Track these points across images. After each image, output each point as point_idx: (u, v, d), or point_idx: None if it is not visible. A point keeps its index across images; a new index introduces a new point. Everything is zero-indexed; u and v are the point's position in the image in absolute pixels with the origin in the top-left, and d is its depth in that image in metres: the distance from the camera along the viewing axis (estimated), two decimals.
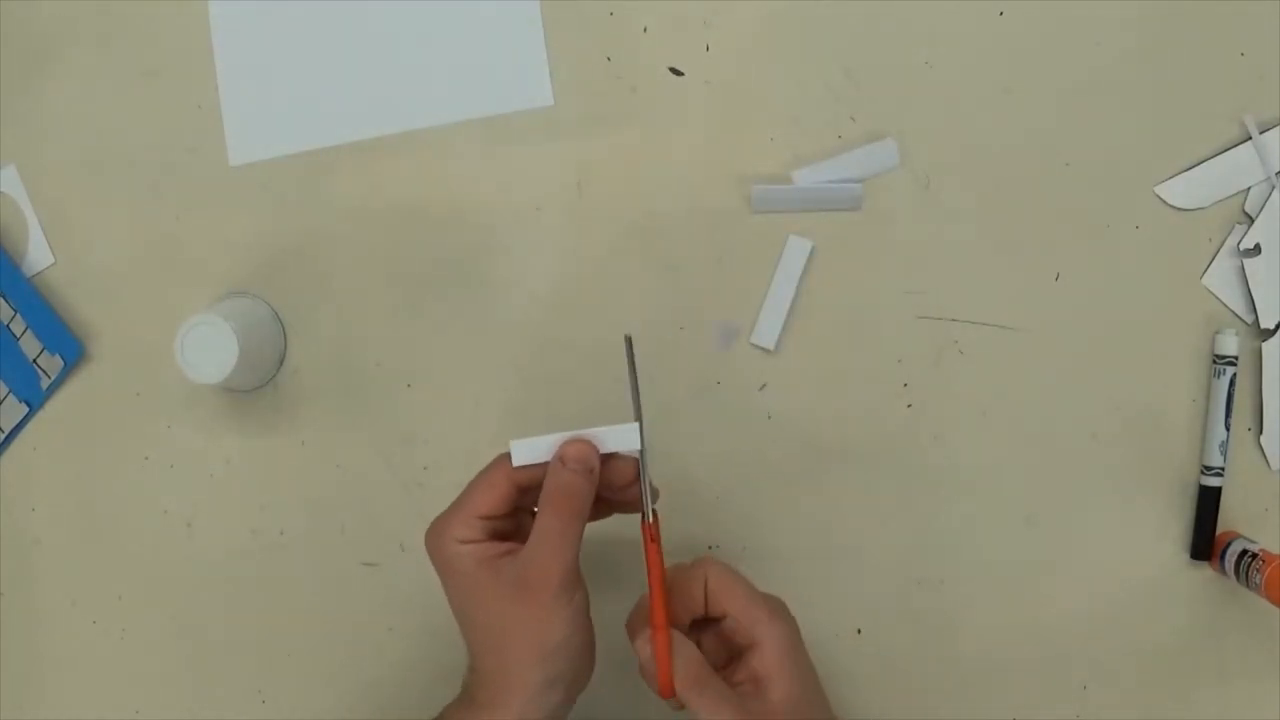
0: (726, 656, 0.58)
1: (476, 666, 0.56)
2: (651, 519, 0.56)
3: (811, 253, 0.69)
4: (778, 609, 0.57)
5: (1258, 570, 0.64)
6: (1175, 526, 0.70)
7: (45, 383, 0.73)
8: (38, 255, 0.74)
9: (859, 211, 0.70)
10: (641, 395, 0.57)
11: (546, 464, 0.56)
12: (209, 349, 0.66)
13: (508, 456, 0.56)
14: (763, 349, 0.70)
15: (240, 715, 0.73)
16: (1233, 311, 0.69)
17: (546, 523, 0.54)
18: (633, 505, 0.58)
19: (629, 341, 0.57)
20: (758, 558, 0.71)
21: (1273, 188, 0.69)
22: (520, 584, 0.54)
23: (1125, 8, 0.69)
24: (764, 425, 0.70)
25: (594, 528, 0.57)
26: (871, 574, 0.70)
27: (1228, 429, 0.68)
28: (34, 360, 0.73)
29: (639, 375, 0.56)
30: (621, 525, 0.59)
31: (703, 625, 0.58)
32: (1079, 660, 0.70)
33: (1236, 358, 0.68)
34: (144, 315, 0.73)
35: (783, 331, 0.70)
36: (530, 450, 0.56)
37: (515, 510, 0.57)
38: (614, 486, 0.57)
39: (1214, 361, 0.69)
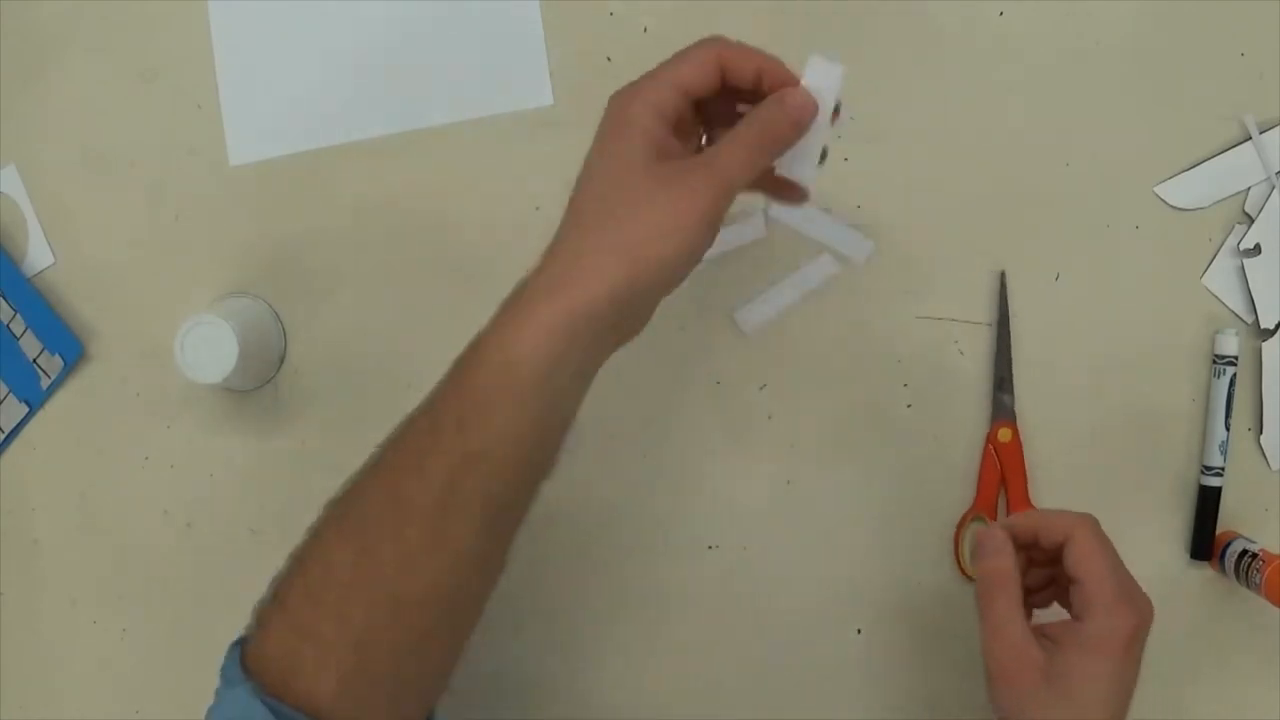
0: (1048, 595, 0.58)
1: (556, 245, 0.50)
2: None
3: (833, 275, 0.70)
4: (1140, 600, 0.54)
5: (1258, 570, 0.64)
6: (1175, 526, 0.70)
7: (45, 383, 0.73)
8: (38, 255, 0.74)
9: (859, 208, 0.70)
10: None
11: (763, 63, 0.51)
12: (209, 349, 0.66)
13: (723, 40, 0.51)
14: (741, 332, 0.70)
15: None
16: (1233, 311, 0.69)
17: (743, 136, 0.49)
18: (785, 192, 0.54)
19: None
20: (758, 557, 0.71)
21: (1273, 188, 0.69)
22: (677, 169, 0.48)
23: (1125, 7, 0.69)
24: (764, 425, 0.70)
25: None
26: (872, 574, 0.70)
27: (1228, 429, 0.68)
28: (34, 360, 0.73)
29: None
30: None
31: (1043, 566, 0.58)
32: None
33: (1236, 358, 0.68)
34: (144, 315, 0.73)
35: (780, 331, 0.70)
36: (822, 74, 0.51)
37: (707, 112, 0.52)
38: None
39: (1214, 361, 0.69)
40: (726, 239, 0.70)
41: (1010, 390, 0.69)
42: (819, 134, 0.52)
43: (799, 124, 0.51)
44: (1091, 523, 0.56)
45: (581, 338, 0.48)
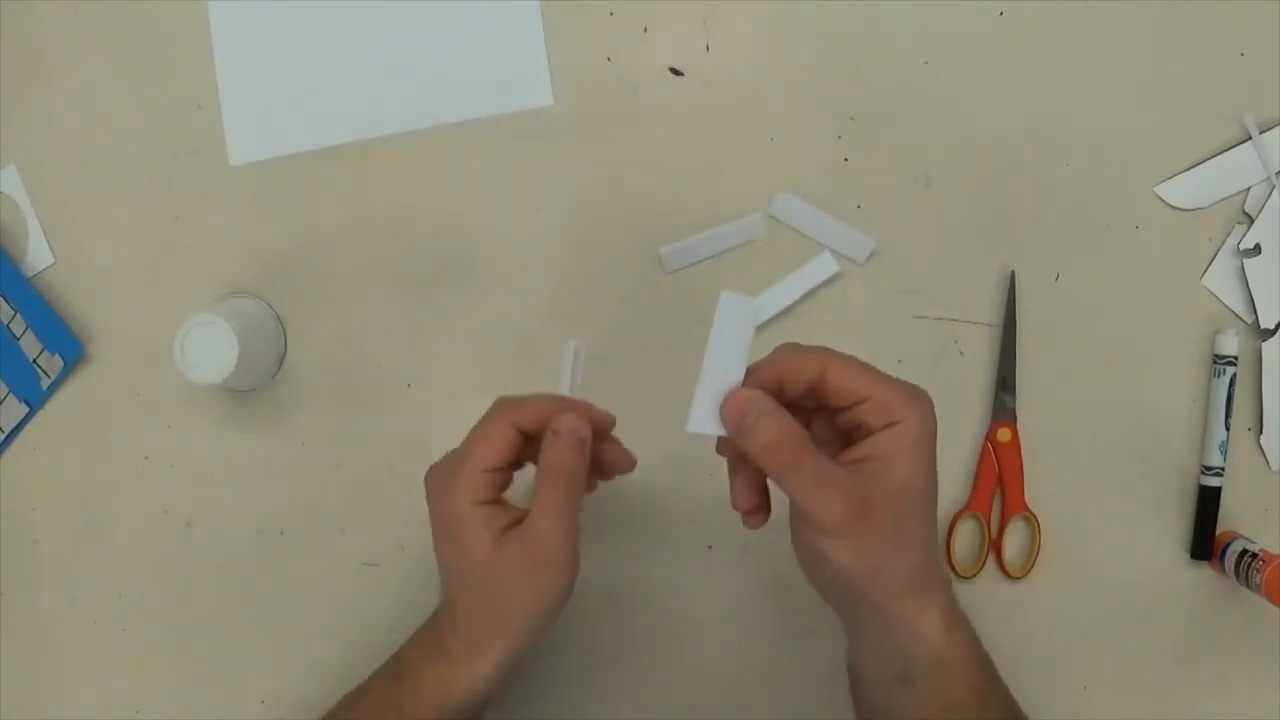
0: (842, 444, 0.53)
1: (455, 616, 0.57)
2: None
3: (834, 274, 0.70)
4: (919, 391, 0.52)
5: (1258, 570, 0.64)
6: (1175, 526, 0.70)
7: (45, 383, 0.73)
8: (38, 255, 0.74)
9: (860, 208, 0.70)
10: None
11: (549, 405, 0.56)
12: (209, 349, 0.66)
13: (505, 404, 0.56)
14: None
15: (240, 715, 0.73)
16: (1233, 311, 0.69)
17: (548, 499, 0.55)
18: (606, 467, 0.59)
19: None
20: (758, 557, 0.71)
21: (1273, 188, 0.69)
22: (528, 558, 0.54)
23: (1125, 7, 0.69)
24: None
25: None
26: None
27: (1228, 429, 0.68)
28: (34, 360, 0.73)
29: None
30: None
31: (811, 413, 0.54)
32: (1079, 660, 0.70)
33: (1236, 358, 0.68)
34: (144, 315, 0.73)
35: (780, 331, 0.70)
36: (733, 312, 0.51)
37: (516, 461, 0.57)
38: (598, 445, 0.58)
39: (1214, 361, 0.69)
40: (727, 237, 0.70)
41: (1013, 390, 0.69)
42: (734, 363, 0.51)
43: (582, 441, 0.55)
44: (836, 352, 0.52)
45: (510, 670, 0.57)
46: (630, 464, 0.59)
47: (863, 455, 0.51)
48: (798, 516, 0.53)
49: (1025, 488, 0.69)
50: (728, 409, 0.51)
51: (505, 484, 0.57)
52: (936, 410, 0.52)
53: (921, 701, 0.54)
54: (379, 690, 0.60)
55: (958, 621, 0.54)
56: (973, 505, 0.69)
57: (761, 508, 0.55)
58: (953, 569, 0.70)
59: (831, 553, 0.51)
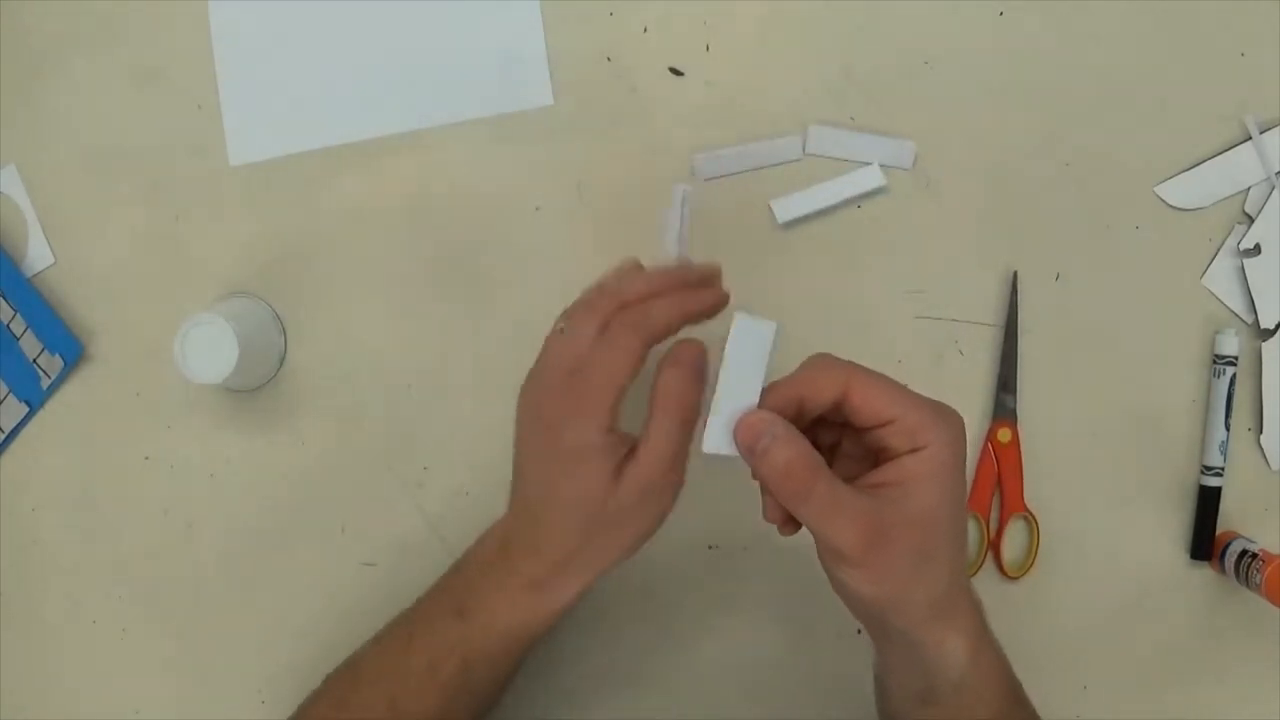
0: (871, 463, 0.51)
1: (551, 546, 0.55)
2: None
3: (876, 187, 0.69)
4: (947, 413, 0.50)
5: (1258, 570, 0.64)
6: (1175, 526, 0.70)
7: (45, 383, 0.73)
8: (38, 255, 0.74)
9: (860, 208, 0.70)
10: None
11: (674, 321, 0.54)
12: (209, 349, 0.66)
13: (630, 317, 0.53)
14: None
15: (240, 715, 0.73)
16: (1233, 311, 0.69)
17: (666, 429, 0.52)
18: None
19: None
20: (758, 557, 0.71)
21: (1273, 188, 0.69)
22: (644, 492, 0.53)
23: (1125, 8, 0.69)
24: None
25: None
26: None
27: (1228, 429, 0.68)
28: (34, 360, 0.73)
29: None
30: None
31: (842, 427, 0.53)
32: (1079, 660, 0.70)
33: (1236, 358, 0.68)
34: (144, 315, 0.73)
35: (780, 330, 0.70)
36: (749, 333, 0.51)
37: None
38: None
39: (1214, 361, 0.69)
40: (760, 155, 0.70)
41: (1013, 391, 0.69)
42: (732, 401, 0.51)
43: (699, 375, 0.52)
44: (862, 368, 0.51)
45: (556, 616, 0.57)
46: (724, 301, 0.57)
47: (884, 481, 0.49)
48: (821, 550, 0.52)
49: (1025, 488, 0.69)
50: (740, 432, 0.50)
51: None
52: None
53: None
54: (435, 629, 0.58)
55: (984, 644, 0.53)
56: (971, 504, 0.69)
57: (792, 520, 0.52)
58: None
59: (849, 580, 0.50)
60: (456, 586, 0.59)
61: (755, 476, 0.51)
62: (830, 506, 0.48)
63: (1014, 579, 0.70)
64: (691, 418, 0.53)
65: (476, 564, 0.59)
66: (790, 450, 0.49)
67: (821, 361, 0.51)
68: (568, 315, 0.56)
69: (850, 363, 0.51)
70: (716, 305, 0.56)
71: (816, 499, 0.48)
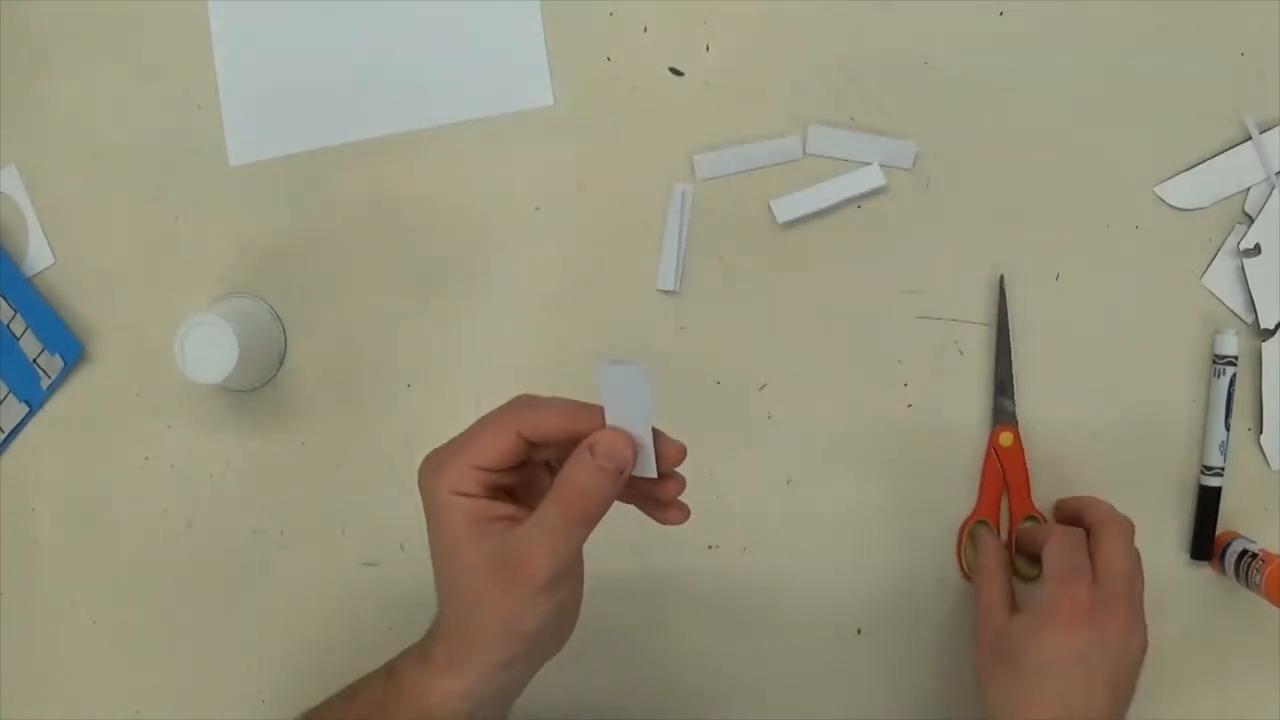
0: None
1: (442, 621, 0.52)
2: None
3: (875, 187, 0.69)
4: (1099, 576, 0.60)
5: (1258, 570, 0.64)
6: (1175, 526, 0.70)
7: (45, 383, 0.73)
8: (38, 255, 0.74)
9: (860, 208, 0.70)
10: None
11: (564, 421, 0.49)
12: (209, 349, 0.66)
13: (524, 403, 0.50)
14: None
15: (240, 715, 0.73)
16: (1233, 311, 0.69)
17: (552, 515, 0.48)
18: (661, 507, 0.52)
19: None
20: (758, 557, 0.71)
21: (1273, 188, 0.69)
22: (504, 563, 0.49)
23: (1125, 8, 0.69)
24: (764, 425, 0.70)
25: None
26: (872, 574, 0.70)
27: (1228, 429, 0.68)
28: (34, 360, 0.73)
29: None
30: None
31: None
32: None
33: (1236, 358, 0.68)
34: (144, 315, 0.73)
35: (781, 330, 0.70)
36: (620, 381, 0.47)
37: (526, 463, 0.51)
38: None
39: (1214, 361, 0.69)
40: (760, 155, 0.70)
41: (1011, 395, 0.69)
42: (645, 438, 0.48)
43: (619, 471, 0.48)
44: (1122, 522, 0.62)
45: (491, 693, 0.52)
46: (682, 518, 0.52)
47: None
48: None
49: (1032, 490, 0.69)
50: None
51: (503, 485, 0.51)
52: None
53: None
54: (372, 685, 0.56)
55: None
56: (981, 510, 0.69)
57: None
58: (963, 572, 0.69)
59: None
60: (405, 649, 0.56)
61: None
62: (985, 609, 0.65)
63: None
64: (589, 514, 0.49)
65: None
66: (990, 557, 0.68)
67: (1097, 507, 0.65)
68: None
69: (1117, 517, 0.64)
70: (669, 459, 0.51)
71: (984, 595, 0.65)
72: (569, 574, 0.51)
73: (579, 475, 0.48)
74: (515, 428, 0.50)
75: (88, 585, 0.74)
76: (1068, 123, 0.69)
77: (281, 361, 0.73)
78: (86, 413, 0.74)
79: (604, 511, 0.49)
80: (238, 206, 0.72)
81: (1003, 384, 0.69)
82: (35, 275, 0.73)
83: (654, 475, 0.50)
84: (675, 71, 0.71)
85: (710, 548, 0.71)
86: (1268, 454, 0.69)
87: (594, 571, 0.64)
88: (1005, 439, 0.69)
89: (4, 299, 0.72)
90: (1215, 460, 0.68)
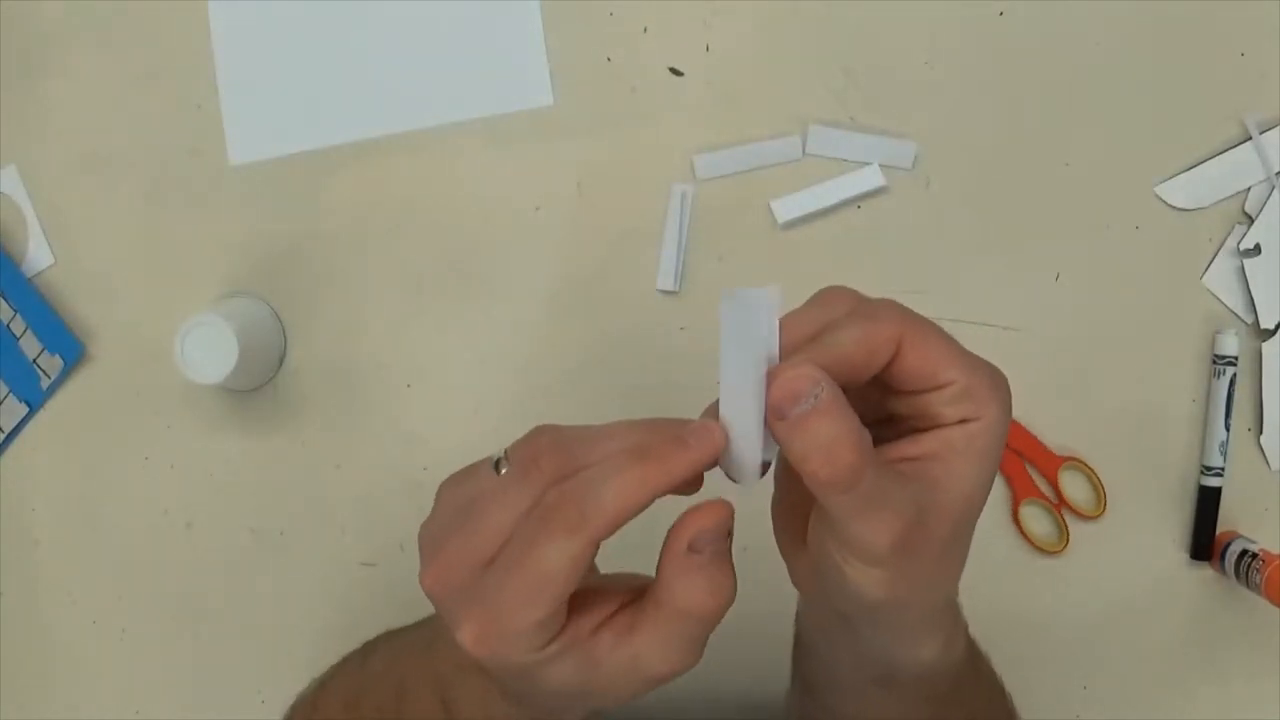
0: (884, 428, 0.41)
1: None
2: None
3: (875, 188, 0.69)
4: (1001, 378, 0.41)
5: (1258, 570, 0.64)
6: (1175, 526, 0.70)
7: (45, 383, 0.73)
8: (38, 255, 0.74)
9: (860, 208, 0.70)
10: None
11: (642, 494, 0.42)
12: (209, 349, 0.66)
13: (575, 515, 0.41)
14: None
15: (240, 715, 0.73)
16: (1233, 311, 0.69)
17: (658, 628, 0.44)
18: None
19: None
20: (758, 557, 0.71)
21: (1273, 188, 0.69)
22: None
23: (1125, 7, 0.69)
24: None
25: None
26: None
27: (1228, 429, 0.68)
28: (34, 360, 0.73)
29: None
30: None
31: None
32: (1079, 660, 0.70)
33: (1236, 358, 0.68)
34: (144, 315, 0.73)
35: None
36: (744, 313, 0.38)
37: None
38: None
39: (1214, 361, 0.69)
40: (760, 155, 0.69)
41: None
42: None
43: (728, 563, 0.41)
44: (914, 316, 0.40)
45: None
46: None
47: (919, 454, 0.39)
48: (826, 533, 0.42)
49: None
50: (775, 390, 0.38)
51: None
52: None
53: (896, 700, 0.48)
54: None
55: (957, 636, 0.47)
56: (1024, 493, 0.69)
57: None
58: (1034, 547, 0.69)
59: (858, 581, 0.40)
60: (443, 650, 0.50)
61: (784, 448, 0.39)
62: (874, 500, 0.38)
63: (1094, 518, 0.68)
64: (714, 620, 0.42)
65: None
66: (839, 425, 0.37)
67: (869, 309, 0.40)
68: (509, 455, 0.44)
69: (902, 311, 0.40)
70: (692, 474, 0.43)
71: (862, 491, 0.37)
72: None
73: (696, 597, 0.43)
74: (592, 541, 0.41)
75: (88, 585, 0.74)
76: (1067, 123, 0.69)
77: (281, 361, 0.73)
78: (86, 413, 0.74)
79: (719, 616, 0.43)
80: (238, 206, 0.72)
81: None
82: (35, 275, 0.73)
83: (758, 476, 0.42)
84: (675, 71, 0.71)
85: None
86: (1268, 454, 0.69)
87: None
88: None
89: (4, 299, 0.72)
90: (1215, 460, 0.68)
